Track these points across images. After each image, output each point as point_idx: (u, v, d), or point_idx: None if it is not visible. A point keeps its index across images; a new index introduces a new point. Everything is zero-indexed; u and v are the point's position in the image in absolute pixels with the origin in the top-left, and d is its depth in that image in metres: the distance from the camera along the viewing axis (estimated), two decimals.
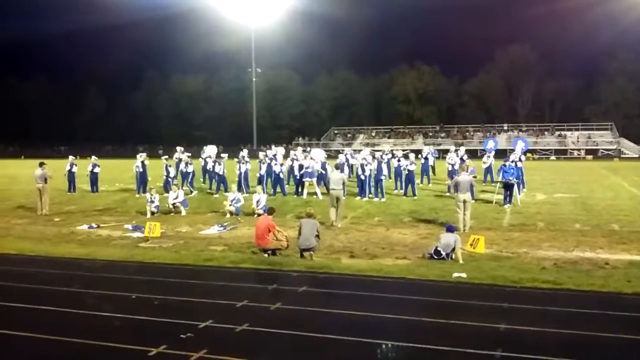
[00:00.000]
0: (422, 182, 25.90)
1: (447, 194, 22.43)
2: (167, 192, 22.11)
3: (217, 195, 22.97)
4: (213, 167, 25.63)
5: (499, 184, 20.06)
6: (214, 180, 25.56)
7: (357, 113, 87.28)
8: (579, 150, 62.39)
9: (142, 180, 24.75)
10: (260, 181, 22.50)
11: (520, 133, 66.14)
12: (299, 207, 19.33)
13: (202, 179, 27.33)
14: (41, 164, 20.16)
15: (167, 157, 26.74)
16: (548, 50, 75.44)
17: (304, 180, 22.57)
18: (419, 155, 26.54)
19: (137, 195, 23.56)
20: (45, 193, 19.71)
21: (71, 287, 9.85)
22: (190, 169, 25.25)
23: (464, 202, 15.04)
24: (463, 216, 15.05)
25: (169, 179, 24.11)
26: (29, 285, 10.13)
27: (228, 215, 18.02)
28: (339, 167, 18.15)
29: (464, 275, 10.09)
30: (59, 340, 7.20)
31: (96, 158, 26.73)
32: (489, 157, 25.43)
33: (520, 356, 6.49)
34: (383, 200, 21.14)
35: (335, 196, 16.43)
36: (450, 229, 12.04)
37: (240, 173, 24.08)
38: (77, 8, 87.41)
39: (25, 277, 10.78)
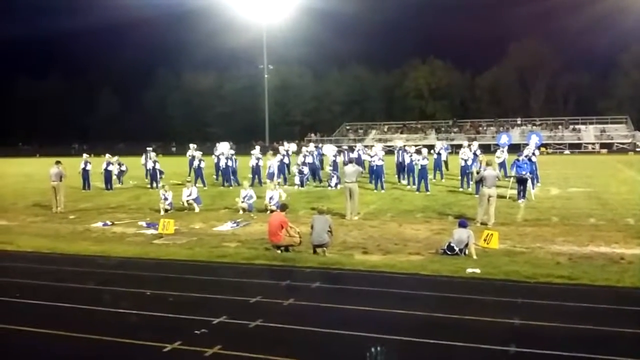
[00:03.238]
0: (434, 177, 25.82)
1: (460, 189, 22.37)
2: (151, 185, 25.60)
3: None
4: (226, 163, 25.86)
5: (512, 178, 19.95)
6: (226, 177, 25.84)
7: (369, 108, 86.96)
8: (593, 144, 61.77)
9: (154, 176, 26.04)
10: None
11: (534, 127, 65.56)
12: (312, 203, 19.37)
13: (214, 176, 27.54)
14: (57, 162, 20.42)
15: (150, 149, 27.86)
16: (562, 44, 74.81)
17: (267, 180, 21.61)
18: (432, 151, 26.45)
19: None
20: (60, 191, 19.91)
21: (86, 284, 9.94)
22: (203, 165, 25.56)
23: (489, 197, 14.92)
24: (484, 210, 14.97)
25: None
26: (45, 283, 10.25)
27: (241, 212, 18.08)
28: (352, 161, 18.22)
29: (477, 270, 10.06)
30: (75, 336, 7.28)
31: (110, 156, 26.96)
32: (502, 151, 25.29)
33: (535, 352, 6.46)
34: (382, 191, 22.32)
35: (349, 189, 16.56)
36: (463, 225, 11.97)
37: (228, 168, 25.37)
38: (90, 6, 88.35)
39: (41, 275, 10.90)
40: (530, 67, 77.45)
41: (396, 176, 25.66)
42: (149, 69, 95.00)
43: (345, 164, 20.60)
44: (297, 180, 23.97)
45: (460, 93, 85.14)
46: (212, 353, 6.57)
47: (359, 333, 7.16)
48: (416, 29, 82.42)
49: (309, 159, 25.59)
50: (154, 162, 26.18)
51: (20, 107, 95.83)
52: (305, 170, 24.86)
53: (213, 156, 27.76)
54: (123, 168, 27.98)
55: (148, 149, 28.27)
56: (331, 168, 25.24)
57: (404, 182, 24.24)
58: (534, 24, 77.26)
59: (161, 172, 26.58)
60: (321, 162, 29.81)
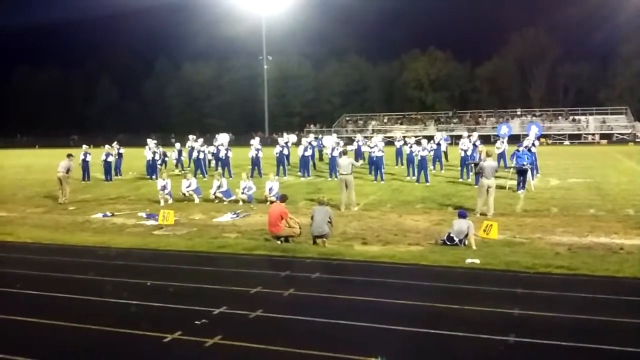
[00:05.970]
0: (434, 168, 25.81)
1: (460, 179, 22.38)
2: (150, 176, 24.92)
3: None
4: (225, 154, 25.85)
5: (512, 169, 19.95)
6: (226, 168, 25.81)
7: (368, 99, 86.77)
8: (593, 134, 61.72)
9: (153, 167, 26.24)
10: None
11: (534, 118, 65.46)
12: (312, 194, 19.38)
13: (215, 167, 27.55)
14: (69, 155, 20.53)
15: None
16: (562, 34, 74.58)
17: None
18: (431, 141, 26.42)
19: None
20: (65, 182, 19.91)
21: (86, 274, 9.94)
22: (202, 155, 25.56)
23: (488, 187, 14.95)
24: (483, 201, 14.99)
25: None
26: (45, 273, 10.26)
27: (240, 203, 18.08)
28: (346, 153, 18.29)
29: (477, 261, 10.06)
30: (75, 327, 7.28)
31: (109, 147, 26.96)
32: (502, 142, 25.29)
33: (534, 342, 6.48)
34: (382, 182, 22.45)
35: (344, 180, 16.62)
36: (463, 215, 11.98)
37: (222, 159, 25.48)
38: None
39: (41, 265, 10.92)
40: (530, 57, 77.32)
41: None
42: (148, 59, 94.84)
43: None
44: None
45: (460, 84, 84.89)
46: (212, 343, 6.58)
47: (359, 323, 7.17)
48: (415, 19, 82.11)
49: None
50: (154, 152, 26.16)
51: (18, 97, 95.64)
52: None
53: (212, 147, 27.73)
54: (121, 151, 28.05)
55: (154, 140, 28.17)
56: (329, 154, 25.07)
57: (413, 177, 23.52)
58: (534, 13, 77.11)
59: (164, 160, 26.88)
60: (320, 152, 29.81)
